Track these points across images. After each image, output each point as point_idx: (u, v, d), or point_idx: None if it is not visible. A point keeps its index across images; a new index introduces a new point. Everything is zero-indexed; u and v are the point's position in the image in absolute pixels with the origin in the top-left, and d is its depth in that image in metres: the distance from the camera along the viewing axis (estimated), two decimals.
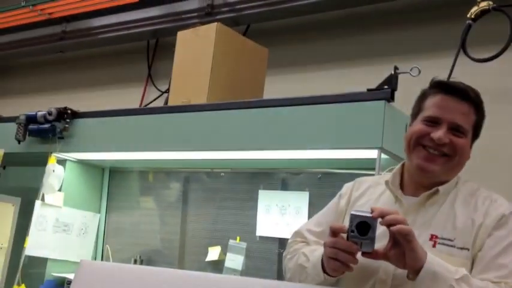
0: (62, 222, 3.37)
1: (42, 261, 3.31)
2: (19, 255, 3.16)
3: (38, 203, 3.22)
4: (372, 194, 1.69)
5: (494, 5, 2.77)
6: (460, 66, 2.83)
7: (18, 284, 3.13)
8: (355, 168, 2.73)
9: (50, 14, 4.84)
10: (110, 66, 4.92)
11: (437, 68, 2.97)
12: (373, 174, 2.26)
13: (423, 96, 1.64)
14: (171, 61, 3.14)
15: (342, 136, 2.37)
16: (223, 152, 2.77)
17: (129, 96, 4.54)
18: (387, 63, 2.71)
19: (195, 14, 3.98)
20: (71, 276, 3.04)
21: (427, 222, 1.54)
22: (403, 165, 1.69)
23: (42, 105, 3.55)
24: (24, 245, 3.16)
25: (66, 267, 3.33)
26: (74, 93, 5.04)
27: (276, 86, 3.40)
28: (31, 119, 3.38)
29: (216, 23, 2.99)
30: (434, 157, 1.55)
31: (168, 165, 3.42)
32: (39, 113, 3.35)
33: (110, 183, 3.67)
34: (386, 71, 2.39)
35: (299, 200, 2.88)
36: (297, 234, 1.86)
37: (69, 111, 3.29)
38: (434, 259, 1.39)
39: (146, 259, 3.35)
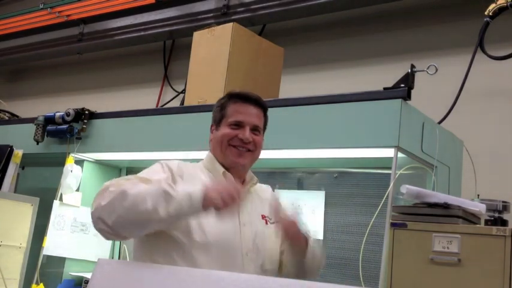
0: (80, 222, 3.40)
1: (60, 261, 3.35)
2: (37, 255, 3.19)
3: (56, 203, 3.25)
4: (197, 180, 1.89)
5: None
6: (478, 64, 2.81)
7: (37, 283, 3.16)
8: (372, 167, 2.72)
9: (67, 16, 4.89)
10: (127, 67, 4.96)
11: (454, 66, 2.98)
12: (389, 174, 2.26)
13: (223, 106, 1.99)
14: (187, 61, 3.15)
15: (358, 135, 2.36)
16: None
17: (146, 97, 4.57)
18: (404, 61, 2.70)
19: (211, 15, 3.99)
20: (88, 275, 3.06)
21: (254, 205, 1.97)
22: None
23: (60, 106, 3.58)
24: (43, 245, 3.19)
25: (84, 266, 3.36)
26: (92, 94, 5.08)
27: (291, 85, 3.40)
28: (49, 120, 3.42)
29: (231, 23, 2.99)
30: (243, 153, 1.93)
31: None
32: (57, 114, 3.39)
33: None
34: (402, 70, 2.38)
35: (315, 199, 2.87)
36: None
37: (86, 112, 3.32)
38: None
39: None
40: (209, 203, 1.65)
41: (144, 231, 1.72)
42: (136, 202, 1.61)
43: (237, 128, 1.93)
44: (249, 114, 1.95)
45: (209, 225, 1.80)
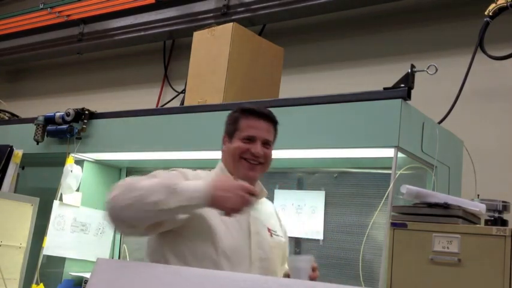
0: (80, 222, 3.40)
1: (60, 261, 3.34)
2: (37, 255, 3.19)
3: (56, 203, 3.25)
4: None
5: None
6: (478, 64, 2.81)
7: (37, 283, 3.16)
8: (372, 167, 2.71)
9: (67, 16, 4.89)
10: (127, 67, 4.96)
11: (454, 66, 2.98)
12: (389, 174, 2.26)
13: (236, 119, 2.04)
14: (187, 61, 3.15)
15: (358, 135, 2.36)
16: None
17: (146, 97, 4.57)
18: (404, 61, 2.70)
19: (211, 15, 3.99)
20: (88, 275, 3.05)
21: (260, 218, 2.03)
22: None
23: (60, 106, 3.58)
24: (43, 245, 3.19)
25: (84, 266, 3.36)
26: (91, 94, 5.08)
27: (291, 86, 3.40)
28: (49, 120, 3.42)
29: (232, 23, 2.99)
30: (254, 166, 2.00)
31: (185, 165, 3.41)
32: (57, 114, 3.39)
33: None
34: (403, 70, 2.38)
35: (315, 199, 2.87)
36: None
37: (86, 112, 3.32)
38: None
39: None
40: (216, 205, 1.72)
41: (150, 221, 1.77)
42: (142, 194, 1.69)
43: (249, 142, 1.99)
44: (261, 129, 2.02)
45: (222, 231, 1.88)
